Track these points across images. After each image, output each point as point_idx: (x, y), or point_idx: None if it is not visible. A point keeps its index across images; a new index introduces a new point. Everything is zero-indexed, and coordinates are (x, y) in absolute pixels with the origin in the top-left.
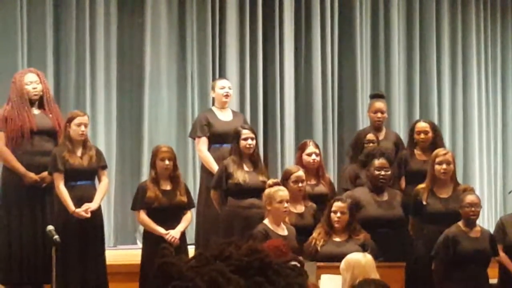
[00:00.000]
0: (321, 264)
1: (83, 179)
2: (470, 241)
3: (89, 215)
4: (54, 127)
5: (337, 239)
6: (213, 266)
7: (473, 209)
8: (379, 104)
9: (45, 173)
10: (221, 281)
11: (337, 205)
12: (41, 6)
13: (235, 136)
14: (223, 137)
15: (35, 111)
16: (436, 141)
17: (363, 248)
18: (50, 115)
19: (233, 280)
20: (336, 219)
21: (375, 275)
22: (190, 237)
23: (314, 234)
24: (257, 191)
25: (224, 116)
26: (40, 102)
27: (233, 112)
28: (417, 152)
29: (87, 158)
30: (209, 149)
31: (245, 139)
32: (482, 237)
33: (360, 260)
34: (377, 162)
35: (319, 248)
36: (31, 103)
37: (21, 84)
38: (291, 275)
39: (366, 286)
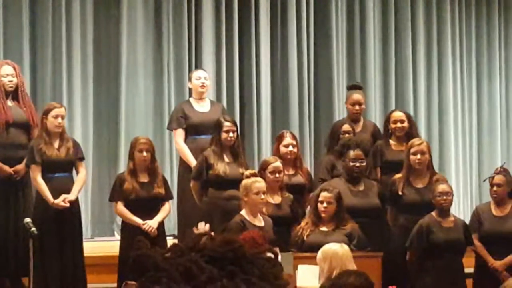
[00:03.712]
0: (299, 254)
1: (60, 171)
2: (443, 230)
3: (68, 205)
4: (28, 120)
5: (324, 228)
6: (188, 257)
7: (444, 197)
8: (357, 96)
9: (19, 166)
10: (194, 271)
11: (323, 195)
12: None
13: (217, 127)
14: (200, 128)
15: (9, 103)
16: (411, 132)
17: (350, 238)
18: (24, 108)
19: (207, 269)
20: (322, 209)
21: (352, 265)
22: (169, 228)
23: (302, 224)
24: (237, 182)
25: (201, 107)
26: (13, 95)
27: (212, 102)
28: (392, 142)
29: (64, 150)
30: (186, 140)
31: (227, 131)
32: (456, 226)
33: (337, 250)
34: (352, 153)
35: (305, 238)
36: (5, 95)
37: None
38: (265, 265)
39: (346, 277)
